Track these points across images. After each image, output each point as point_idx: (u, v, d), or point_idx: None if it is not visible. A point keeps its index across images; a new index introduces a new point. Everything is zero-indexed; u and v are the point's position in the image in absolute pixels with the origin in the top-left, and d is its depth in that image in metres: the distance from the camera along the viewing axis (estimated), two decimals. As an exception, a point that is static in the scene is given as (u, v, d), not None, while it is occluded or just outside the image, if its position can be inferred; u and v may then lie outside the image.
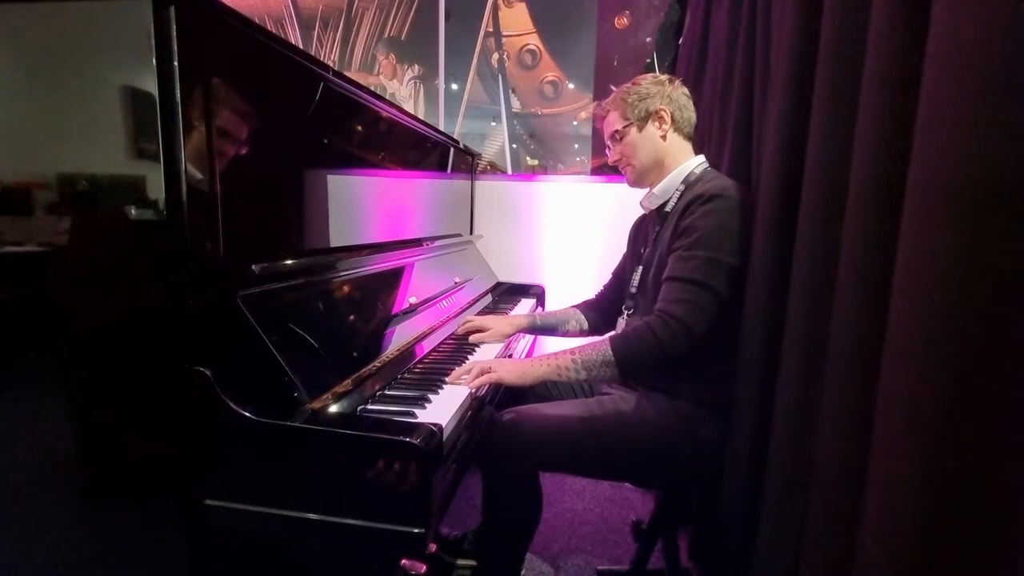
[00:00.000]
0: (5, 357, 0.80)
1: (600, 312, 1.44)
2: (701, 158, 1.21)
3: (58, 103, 0.73)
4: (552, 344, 1.96)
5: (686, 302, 1.03)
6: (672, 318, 1.03)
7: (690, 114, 1.21)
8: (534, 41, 2.79)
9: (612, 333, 1.10)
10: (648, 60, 2.04)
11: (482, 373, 1.05)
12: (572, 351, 1.07)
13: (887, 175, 0.65)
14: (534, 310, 1.88)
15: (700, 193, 1.08)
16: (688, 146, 1.22)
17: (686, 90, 1.22)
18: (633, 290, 1.26)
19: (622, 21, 2.44)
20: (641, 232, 1.34)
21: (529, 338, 1.73)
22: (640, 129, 1.19)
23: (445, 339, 1.33)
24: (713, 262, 1.03)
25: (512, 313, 1.72)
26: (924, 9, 0.58)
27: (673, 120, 1.18)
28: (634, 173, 1.23)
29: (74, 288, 0.77)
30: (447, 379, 1.04)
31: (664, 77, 1.21)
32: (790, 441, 0.89)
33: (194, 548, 0.79)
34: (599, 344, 1.06)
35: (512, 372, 1.07)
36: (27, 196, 0.75)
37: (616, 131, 1.21)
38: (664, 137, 1.19)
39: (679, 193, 1.16)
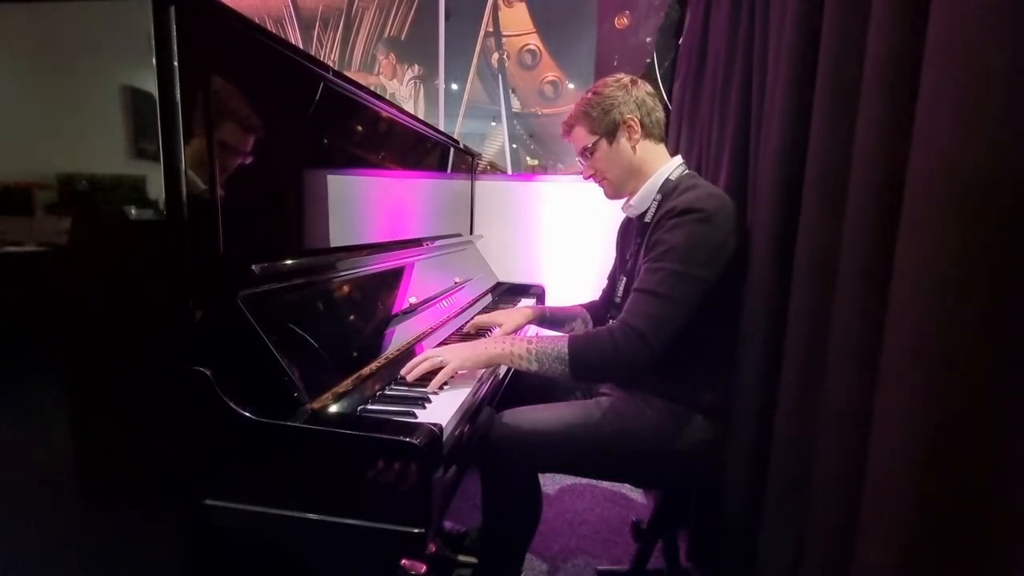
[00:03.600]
0: (5, 357, 0.80)
1: (601, 316, 1.44)
2: (677, 160, 1.17)
3: (58, 103, 0.73)
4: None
5: (648, 316, 1.00)
6: (632, 330, 0.99)
7: (659, 115, 1.16)
8: (534, 41, 2.78)
9: (574, 332, 1.08)
10: (648, 60, 2.04)
11: (432, 366, 1.01)
12: (530, 339, 1.05)
13: (887, 175, 0.65)
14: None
15: (672, 207, 1.05)
16: (661, 149, 1.18)
17: (650, 88, 1.17)
18: (618, 300, 1.24)
19: (622, 21, 2.44)
20: (627, 237, 1.32)
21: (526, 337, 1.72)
22: (610, 142, 1.14)
23: (446, 338, 1.33)
24: (680, 275, 1.00)
25: (519, 306, 1.72)
26: (924, 8, 0.59)
27: (642, 126, 1.14)
28: (611, 188, 1.20)
29: (74, 288, 0.77)
30: (402, 372, 1.02)
31: (626, 79, 1.16)
32: (790, 442, 0.89)
33: (194, 548, 0.79)
34: (558, 339, 1.04)
35: (461, 358, 1.03)
36: (27, 196, 0.75)
37: (586, 147, 1.17)
38: (635, 148, 1.14)
39: (656, 203, 1.13)
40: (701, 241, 1.01)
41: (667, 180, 1.14)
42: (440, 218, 1.76)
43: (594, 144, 1.16)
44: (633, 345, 0.99)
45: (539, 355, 1.03)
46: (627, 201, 1.21)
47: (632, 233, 1.26)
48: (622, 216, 1.38)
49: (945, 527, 0.55)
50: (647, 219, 1.14)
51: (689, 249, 1.01)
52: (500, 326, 1.36)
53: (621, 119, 1.13)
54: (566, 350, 1.01)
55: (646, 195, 1.16)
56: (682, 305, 1.00)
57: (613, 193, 1.22)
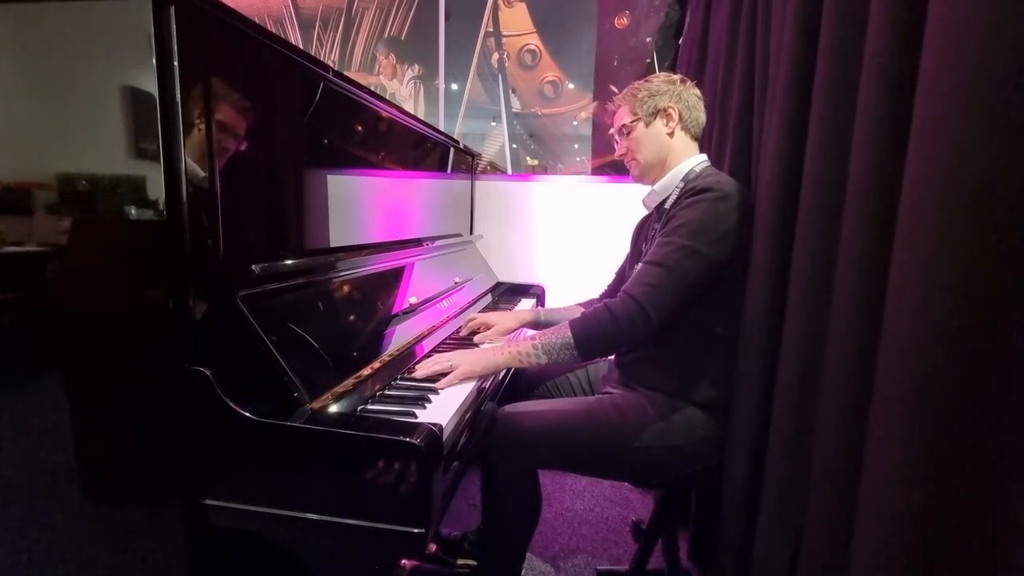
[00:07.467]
0: (5, 357, 0.80)
1: None
2: (703, 157, 1.21)
3: (58, 103, 0.73)
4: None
5: (649, 285, 1.03)
6: (631, 298, 1.03)
7: (699, 115, 1.22)
8: (534, 41, 2.78)
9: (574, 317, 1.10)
10: (648, 60, 2.04)
11: (443, 370, 1.04)
12: (533, 336, 1.09)
13: (886, 174, 0.65)
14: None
15: (691, 188, 1.10)
16: (694, 146, 1.23)
17: (698, 92, 1.23)
18: None
19: (622, 21, 2.44)
20: (644, 230, 1.35)
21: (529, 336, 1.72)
22: (647, 125, 1.20)
23: (445, 339, 1.33)
24: (688, 250, 1.03)
25: (516, 309, 1.72)
26: (923, 8, 0.59)
27: (680, 119, 1.19)
28: (638, 168, 1.25)
29: (74, 288, 0.77)
30: (415, 372, 1.04)
31: (676, 77, 1.23)
32: (789, 440, 0.89)
33: (194, 548, 0.79)
34: (560, 328, 1.08)
35: (473, 364, 1.06)
36: (27, 196, 0.75)
37: (624, 125, 1.23)
38: (671, 135, 1.20)
39: (678, 191, 1.17)
40: (714, 219, 1.04)
41: (691, 171, 1.19)
42: (440, 218, 1.76)
43: (632, 122, 1.21)
44: (629, 312, 1.03)
45: (545, 347, 1.06)
46: (650, 190, 1.25)
47: (649, 224, 1.30)
48: (623, 215, 1.38)
49: (944, 527, 0.55)
50: (667, 205, 1.17)
51: (701, 225, 1.04)
52: (494, 326, 1.36)
53: (662, 106, 1.19)
54: (569, 334, 1.06)
55: (669, 183, 1.20)
56: (685, 278, 1.03)
57: (639, 173, 1.26)
